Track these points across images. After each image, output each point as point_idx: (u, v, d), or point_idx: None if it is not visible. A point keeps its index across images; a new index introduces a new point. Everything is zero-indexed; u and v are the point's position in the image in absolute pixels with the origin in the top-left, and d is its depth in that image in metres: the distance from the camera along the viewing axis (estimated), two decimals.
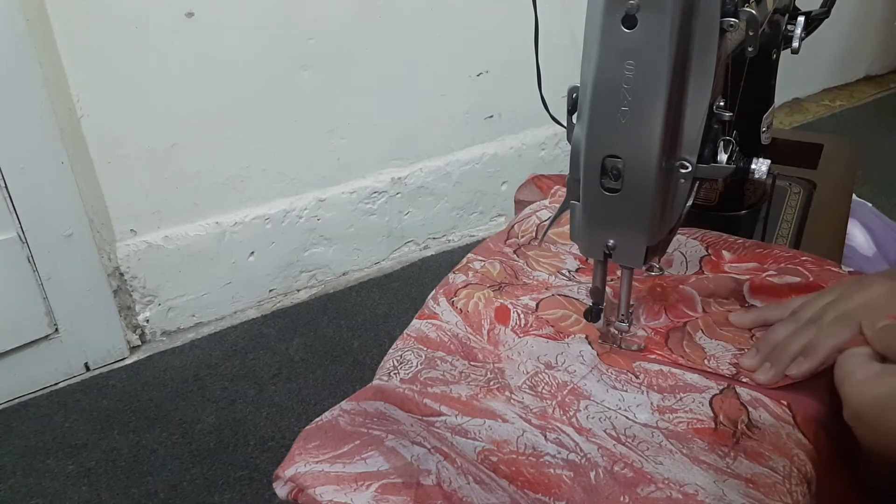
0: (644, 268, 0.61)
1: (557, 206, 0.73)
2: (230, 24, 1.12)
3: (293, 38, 1.18)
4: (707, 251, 0.65)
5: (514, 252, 0.67)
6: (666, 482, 0.44)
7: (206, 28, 1.11)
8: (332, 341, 1.22)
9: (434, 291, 0.63)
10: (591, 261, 0.65)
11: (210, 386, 1.13)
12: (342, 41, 1.22)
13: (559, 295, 0.61)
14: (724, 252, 0.64)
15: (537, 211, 0.73)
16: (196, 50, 1.11)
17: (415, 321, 0.60)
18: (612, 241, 0.49)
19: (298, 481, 0.48)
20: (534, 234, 0.70)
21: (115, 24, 1.04)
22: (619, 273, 0.53)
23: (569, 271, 0.65)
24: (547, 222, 0.71)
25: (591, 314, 0.54)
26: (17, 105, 0.98)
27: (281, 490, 0.49)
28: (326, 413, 0.53)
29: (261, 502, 0.94)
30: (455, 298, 0.61)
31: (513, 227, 0.71)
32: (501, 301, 0.60)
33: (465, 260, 0.67)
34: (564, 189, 0.75)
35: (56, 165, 1.03)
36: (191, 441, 1.03)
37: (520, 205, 0.78)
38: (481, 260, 0.66)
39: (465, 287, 0.62)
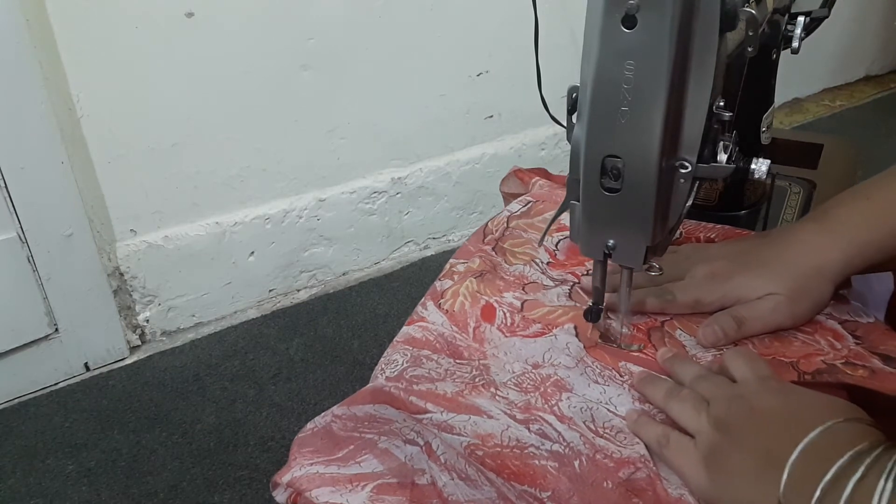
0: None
1: (530, 199, 0.74)
2: (230, 24, 1.12)
3: (293, 38, 1.18)
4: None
5: (493, 249, 0.68)
6: (643, 460, 0.45)
7: (206, 28, 1.10)
8: (332, 341, 1.22)
9: (423, 299, 0.63)
10: (559, 256, 0.65)
11: (210, 386, 1.13)
12: (342, 41, 1.22)
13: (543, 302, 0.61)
14: (700, 236, 0.65)
15: (508, 206, 0.75)
16: (196, 50, 1.11)
17: (404, 328, 0.60)
18: (611, 241, 0.49)
19: (295, 485, 0.49)
20: (505, 224, 0.71)
21: (115, 23, 1.04)
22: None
23: (541, 262, 0.65)
24: (517, 214, 0.72)
25: (591, 314, 0.54)
26: (17, 105, 0.98)
27: (280, 496, 0.50)
28: (318, 417, 0.54)
29: (261, 502, 0.94)
30: (442, 301, 0.61)
31: (487, 224, 0.72)
32: (486, 299, 0.60)
33: (448, 266, 0.67)
34: (542, 181, 0.76)
35: (56, 165, 1.03)
36: (191, 441, 1.03)
37: (506, 196, 0.79)
38: (463, 262, 0.66)
39: (450, 288, 0.63)
